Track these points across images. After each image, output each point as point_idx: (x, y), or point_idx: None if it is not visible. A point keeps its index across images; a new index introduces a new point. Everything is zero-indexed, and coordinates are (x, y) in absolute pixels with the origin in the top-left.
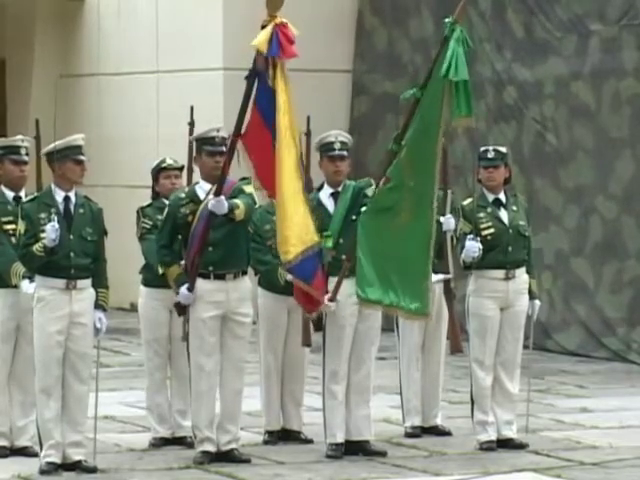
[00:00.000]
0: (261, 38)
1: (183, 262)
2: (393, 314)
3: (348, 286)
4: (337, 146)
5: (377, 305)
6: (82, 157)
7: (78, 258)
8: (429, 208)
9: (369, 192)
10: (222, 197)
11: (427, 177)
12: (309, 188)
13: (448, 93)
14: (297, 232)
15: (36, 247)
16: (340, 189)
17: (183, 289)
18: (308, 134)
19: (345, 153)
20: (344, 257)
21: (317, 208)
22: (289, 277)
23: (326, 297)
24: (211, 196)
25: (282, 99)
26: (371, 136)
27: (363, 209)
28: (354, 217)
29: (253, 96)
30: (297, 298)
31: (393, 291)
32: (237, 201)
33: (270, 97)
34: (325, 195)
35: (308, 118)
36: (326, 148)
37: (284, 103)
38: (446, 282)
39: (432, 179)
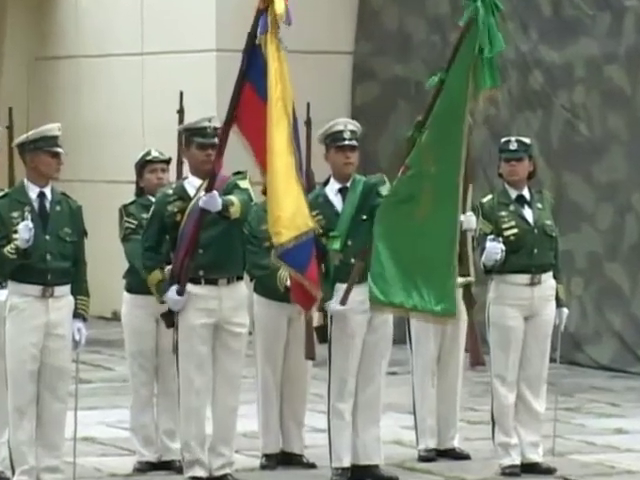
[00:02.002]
0: (282, 7)
1: (170, 267)
2: (418, 319)
3: (358, 293)
4: (347, 135)
5: (399, 309)
6: (58, 149)
7: (55, 261)
8: (453, 198)
9: (383, 191)
10: (215, 192)
11: (451, 164)
12: (311, 183)
13: (473, 70)
14: (290, 214)
15: (7, 249)
16: (349, 184)
17: (172, 293)
18: (308, 123)
19: (355, 143)
20: (353, 260)
21: (323, 205)
22: (289, 283)
23: (335, 300)
24: (202, 192)
25: (273, 67)
26: (379, 125)
27: (380, 202)
28: (364, 217)
29: (244, 71)
30: (293, 294)
31: (417, 292)
32: (232, 197)
33: (264, 69)
34: (332, 191)
35: (308, 105)
36: (334, 138)
37: (275, 72)
38: (466, 287)
39: (457, 166)
